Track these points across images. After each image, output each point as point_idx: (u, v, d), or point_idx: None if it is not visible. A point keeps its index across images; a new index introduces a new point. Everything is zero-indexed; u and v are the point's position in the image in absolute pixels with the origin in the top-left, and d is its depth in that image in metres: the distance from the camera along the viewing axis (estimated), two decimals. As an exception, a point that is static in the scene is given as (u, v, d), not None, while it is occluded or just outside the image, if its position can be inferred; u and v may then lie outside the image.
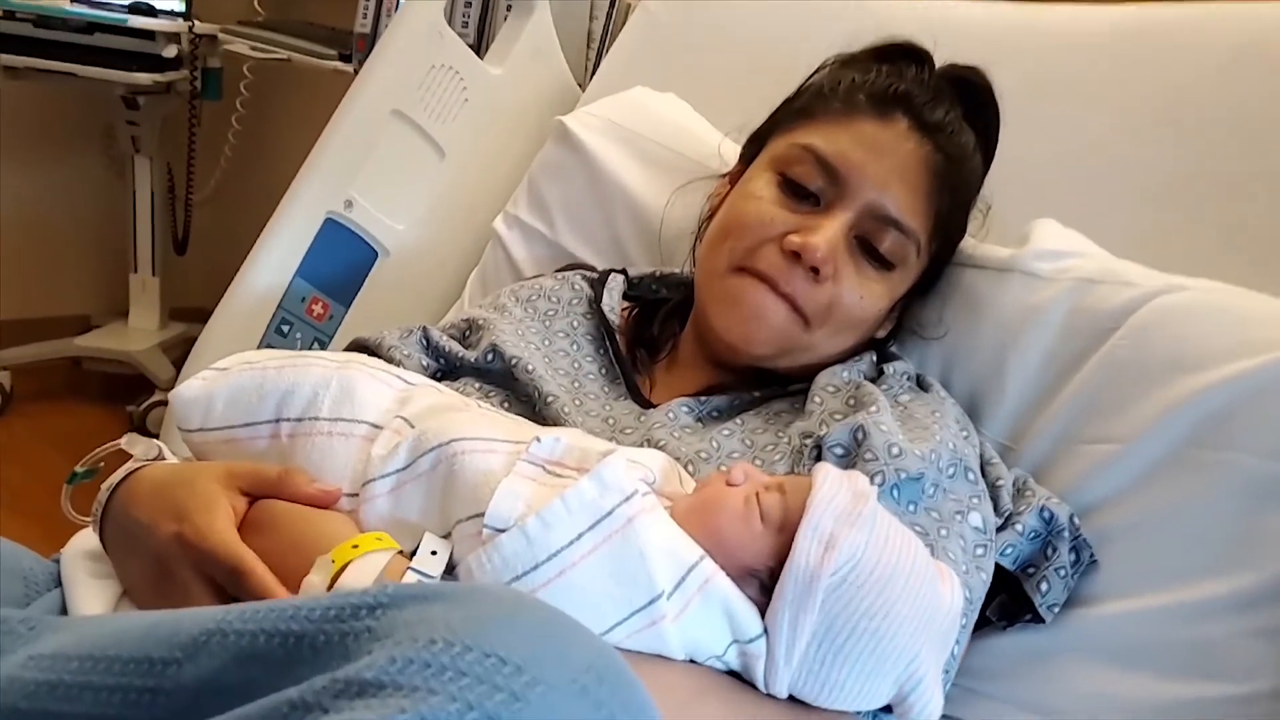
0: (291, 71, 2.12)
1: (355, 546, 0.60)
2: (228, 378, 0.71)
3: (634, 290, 1.02)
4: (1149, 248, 0.91)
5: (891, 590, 0.60)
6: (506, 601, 0.44)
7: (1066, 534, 0.79)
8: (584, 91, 1.37)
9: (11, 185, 2.35)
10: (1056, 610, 0.79)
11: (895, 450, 0.74)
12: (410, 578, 0.59)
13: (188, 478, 0.66)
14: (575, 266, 1.09)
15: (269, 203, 1.27)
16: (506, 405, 0.85)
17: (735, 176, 0.95)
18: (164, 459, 0.71)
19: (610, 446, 0.67)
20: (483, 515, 0.59)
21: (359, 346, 0.92)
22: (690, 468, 0.76)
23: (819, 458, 0.76)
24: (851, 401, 0.82)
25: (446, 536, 0.62)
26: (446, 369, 0.91)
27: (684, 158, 1.13)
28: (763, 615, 0.61)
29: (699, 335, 0.92)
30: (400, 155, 1.27)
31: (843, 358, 0.88)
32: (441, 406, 0.71)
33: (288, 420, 0.68)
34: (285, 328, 1.26)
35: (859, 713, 0.65)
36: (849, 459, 0.75)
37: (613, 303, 0.97)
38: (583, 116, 1.23)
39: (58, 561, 0.71)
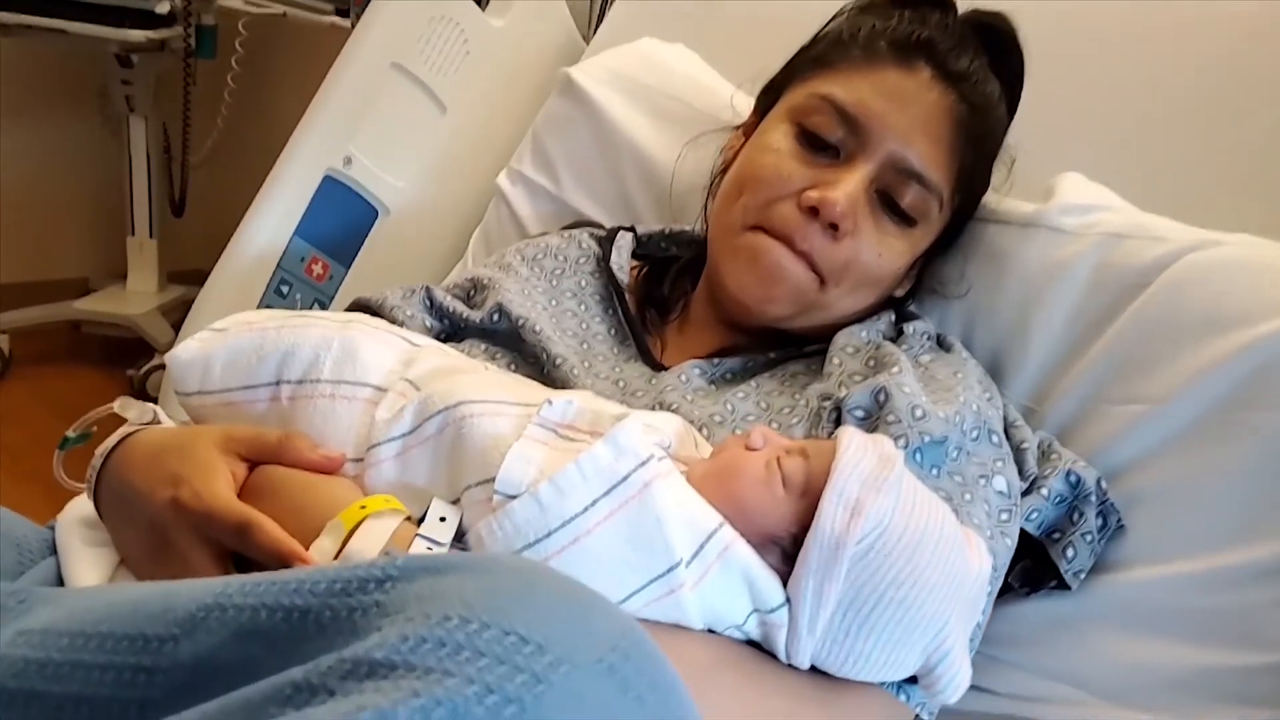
0: (287, 27, 2.08)
1: (363, 508, 0.58)
2: (225, 339, 0.68)
3: (643, 249, 0.99)
4: (1180, 202, 0.88)
5: (919, 557, 0.57)
6: (525, 573, 0.41)
7: (1094, 498, 0.77)
8: (589, 43, 1.33)
9: (5, 147, 2.32)
10: (1083, 577, 0.77)
11: (919, 413, 0.71)
12: (419, 545, 0.57)
13: (184, 442, 0.63)
14: (582, 224, 1.06)
15: (267, 163, 1.25)
16: (513, 367, 0.83)
17: (749, 129, 0.91)
18: (159, 423, 0.69)
19: (624, 410, 0.64)
20: (493, 481, 0.57)
21: (360, 307, 0.89)
22: (704, 431, 0.74)
23: (838, 421, 0.73)
24: (871, 362, 0.79)
25: (455, 502, 0.60)
26: (451, 330, 0.89)
27: (694, 110, 1.09)
28: (784, 584, 0.59)
29: (711, 295, 0.89)
30: (400, 110, 1.25)
31: (860, 317, 0.86)
32: (448, 368, 0.68)
33: (288, 383, 0.66)
34: (284, 288, 1.24)
35: (883, 684, 0.63)
36: (870, 422, 0.73)
37: (621, 261, 0.94)
38: (588, 68, 1.19)
39: (53, 529, 0.68)
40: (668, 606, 0.57)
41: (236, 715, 0.36)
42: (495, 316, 0.85)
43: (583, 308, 0.90)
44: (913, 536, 0.58)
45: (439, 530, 0.58)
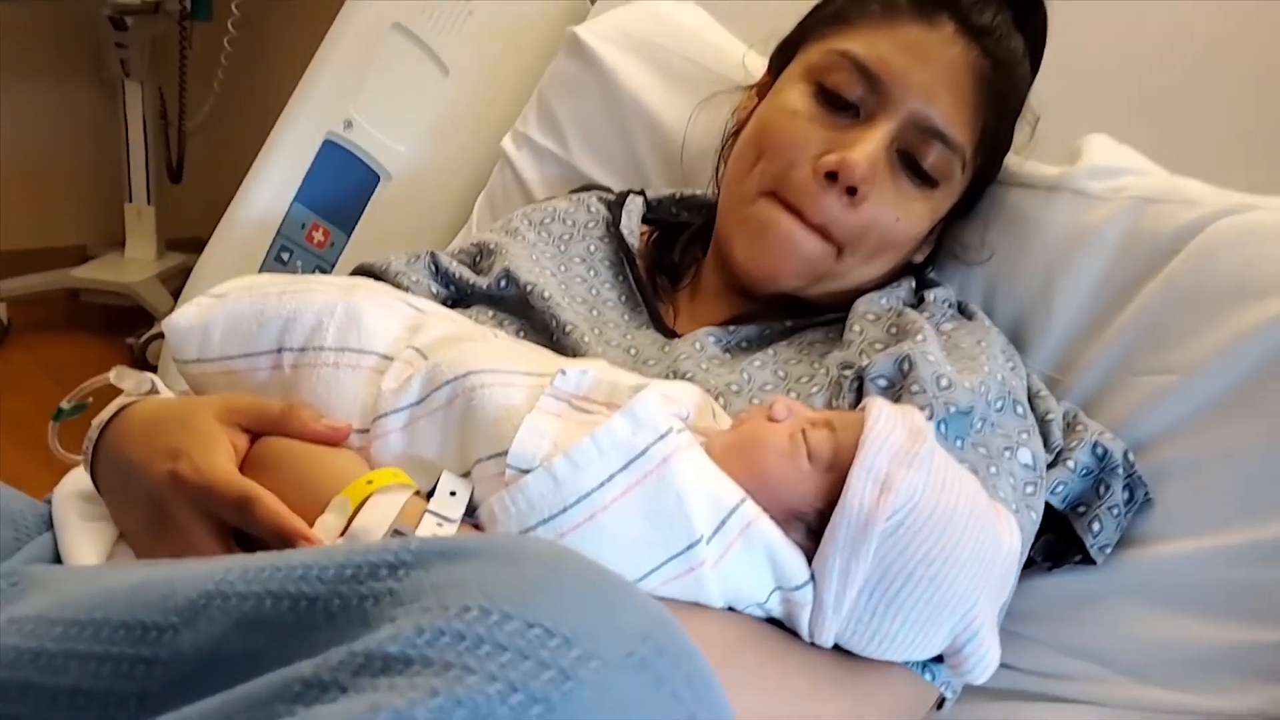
0: (285, -13, 2.04)
1: (370, 482, 0.56)
2: (224, 304, 0.66)
3: (653, 213, 0.96)
4: (1212, 165, 0.85)
5: (950, 535, 0.55)
6: (549, 559, 0.39)
7: (1121, 471, 0.75)
8: (595, 1, 1.29)
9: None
10: (1108, 551, 0.75)
11: (944, 382, 0.69)
12: (428, 521, 0.55)
13: (183, 413, 0.61)
14: (590, 187, 1.03)
15: (266, 127, 1.23)
16: (522, 334, 0.80)
17: (763, 88, 0.88)
18: (157, 393, 0.66)
19: (642, 380, 0.62)
20: (505, 454, 0.55)
21: (364, 272, 0.87)
22: (720, 401, 0.72)
23: (860, 390, 0.71)
24: (893, 330, 0.77)
25: (466, 476, 0.58)
26: (457, 296, 0.86)
27: (706, 70, 1.06)
28: (809, 561, 0.57)
29: (720, 263, 0.86)
30: (401, 72, 1.23)
31: (878, 285, 0.83)
32: (456, 336, 0.66)
33: (290, 350, 0.64)
34: (285, 255, 1.22)
35: (908, 663, 0.61)
36: (893, 391, 0.70)
37: (632, 226, 0.91)
38: (596, 27, 1.16)
39: (50, 503, 0.66)
40: (687, 584, 0.55)
41: (240, 713, 0.33)
42: (503, 282, 0.82)
43: (592, 273, 0.88)
44: (944, 513, 0.55)
45: (449, 505, 0.56)
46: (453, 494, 0.57)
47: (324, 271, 1.23)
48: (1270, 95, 0.89)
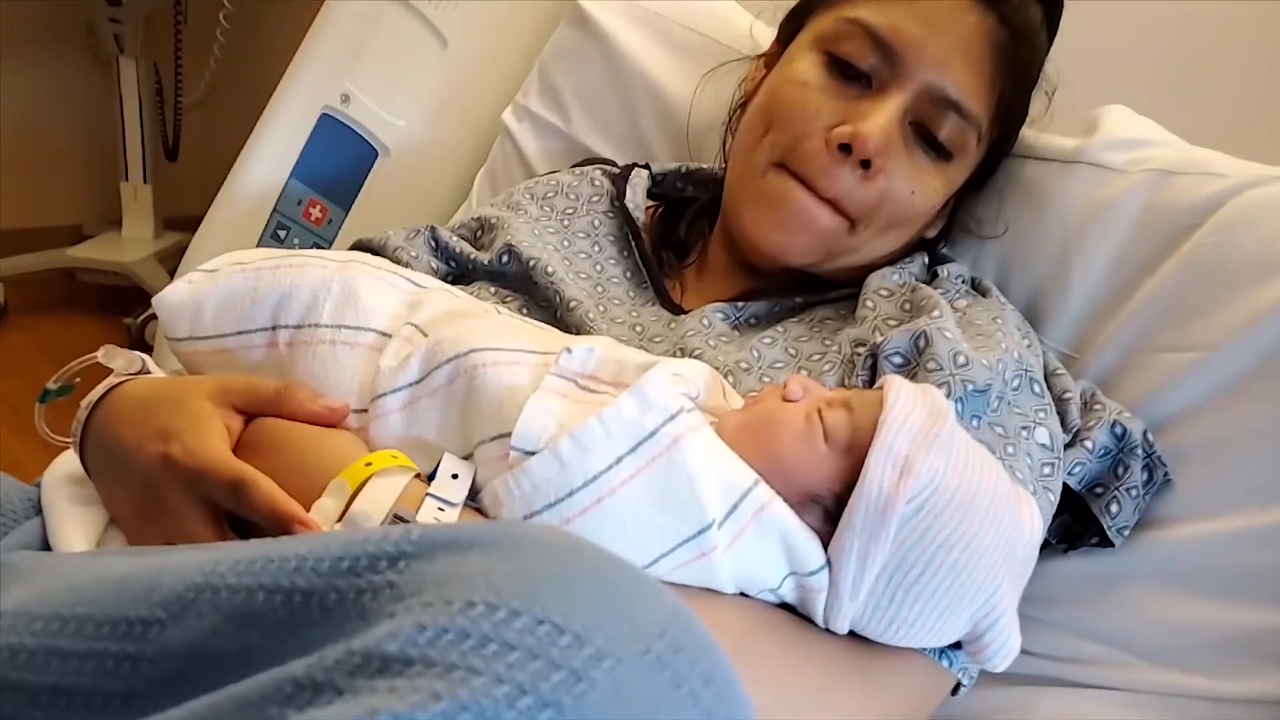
0: (281, -40, 2.00)
1: (368, 465, 0.54)
2: (217, 280, 0.64)
3: (658, 188, 0.94)
4: (1233, 137, 0.83)
5: (971, 519, 0.53)
6: (558, 549, 0.36)
7: (1140, 451, 0.73)
8: (598, -29, 1.27)
9: (-8, 89, 2.26)
10: (1127, 533, 0.73)
11: (961, 359, 0.67)
12: (429, 505, 0.53)
13: (175, 394, 0.59)
14: (594, 161, 1.00)
15: (262, 103, 1.21)
16: (525, 311, 0.78)
17: (771, 59, 0.86)
18: (147, 372, 0.64)
19: (650, 359, 0.60)
20: (509, 435, 0.53)
21: (361, 247, 0.85)
22: (730, 378, 0.70)
23: (874, 368, 0.69)
24: (908, 306, 0.74)
25: (468, 458, 0.56)
26: (457, 272, 0.84)
27: (712, 41, 1.04)
28: (825, 545, 0.55)
29: (728, 238, 0.84)
30: (399, 44, 1.20)
31: (890, 260, 0.81)
32: (457, 312, 0.64)
33: (285, 328, 0.62)
34: (282, 232, 1.20)
35: (925, 649, 0.60)
36: (909, 368, 0.68)
37: (637, 200, 0.89)
38: (599, -4, 1.13)
39: (39, 486, 0.64)
40: (698, 570, 0.53)
41: (229, 715, 0.31)
42: (504, 258, 0.80)
43: (596, 249, 0.86)
44: (965, 496, 0.53)
45: (451, 489, 0.54)
46: (454, 477, 0.55)
47: (321, 248, 1.21)
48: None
